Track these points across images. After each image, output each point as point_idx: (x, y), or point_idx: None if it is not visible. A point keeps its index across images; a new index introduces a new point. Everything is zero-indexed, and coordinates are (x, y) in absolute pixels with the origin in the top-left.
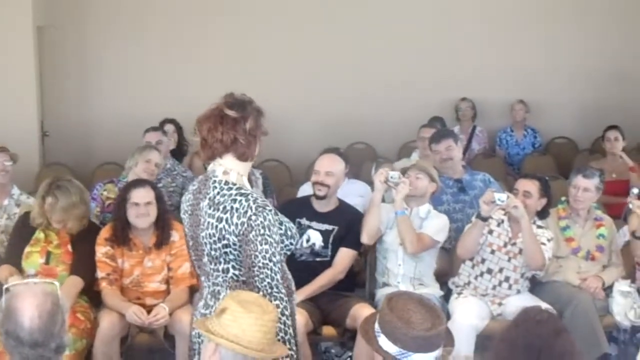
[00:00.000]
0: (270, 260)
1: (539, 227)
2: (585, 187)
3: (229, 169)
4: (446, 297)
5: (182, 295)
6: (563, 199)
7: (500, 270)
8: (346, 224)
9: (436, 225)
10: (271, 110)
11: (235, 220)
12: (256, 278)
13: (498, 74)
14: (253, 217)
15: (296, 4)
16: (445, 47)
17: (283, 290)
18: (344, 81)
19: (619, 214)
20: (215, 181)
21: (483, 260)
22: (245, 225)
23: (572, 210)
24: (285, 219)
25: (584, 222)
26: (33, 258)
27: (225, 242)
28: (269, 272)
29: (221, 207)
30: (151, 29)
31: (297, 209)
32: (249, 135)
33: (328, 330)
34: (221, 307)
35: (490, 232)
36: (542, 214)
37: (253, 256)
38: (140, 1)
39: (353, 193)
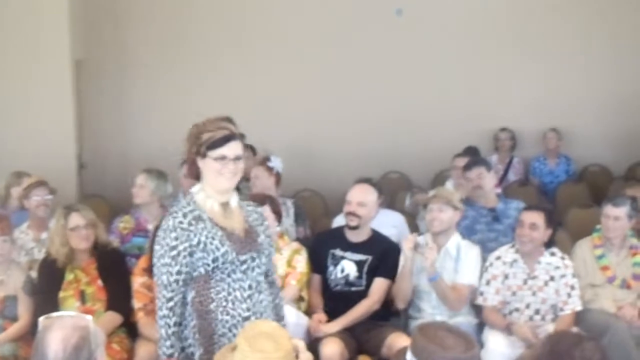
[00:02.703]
0: (159, 260)
1: (562, 257)
2: (615, 216)
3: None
4: (481, 326)
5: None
6: (598, 227)
7: (528, 306)
8: (380, 254)
9: (470, 267)
10: (306, 140)
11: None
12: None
13: (531, 102)
14: (163, 221)
15: (329, 34)
16: (479, 76)
17: (165, 292)
18: (379, 110)
19: None
20: None
21: (508, 302)
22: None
23: (607, 239)
24: (211, 234)
25: (618, 250)
26: (69, 302)
27: None
28: (156, 270)
29: None
30: (187, 61)
31: (330, 240)
32: (187, 157)
33: None
34: (234, 344)
35: (506, 276)
36: (549, 244)
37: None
38: (176, 34)
39: (387, 224)
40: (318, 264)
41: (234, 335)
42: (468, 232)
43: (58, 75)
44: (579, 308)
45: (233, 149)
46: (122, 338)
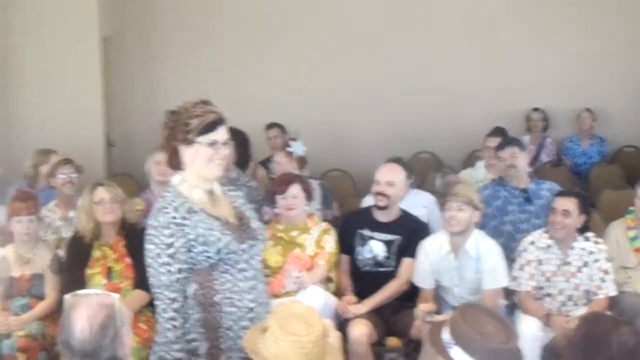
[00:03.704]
0: (155, 260)
1: (596, 242)
2: None
3: (180, 174)
4: (510, 307)
5: None
6: (631, 208)
7: (560, 292)
8: (409, 234)
9: (498, 269)
10: (335, 120)
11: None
12: (147, 275)
13: (565, 82)
14: (151, 217)
15: (358, 16)
16: (511, 55)
17: (167, 293)
18: (409, 90)
19: None
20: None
21: (541, 288)
22: (146, 224)
23: None
24: (208, 226)
25: None
26: (96, 280)
27: None
28: (152, 270)
29: None
30: (217, 38)
31: (358, 220)
32: (165, 144)
33: (393, 341)
34: (265, 325)
35: (540, 262)
36: (583, 230)
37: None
38: (205, 10)
39: (417, 204)
40: (346, 244)
41: (241, 328)
42: (500, 213)
43: (86, 52)
44: (613, 293)
45: (222, 133)
46: (150, 317)
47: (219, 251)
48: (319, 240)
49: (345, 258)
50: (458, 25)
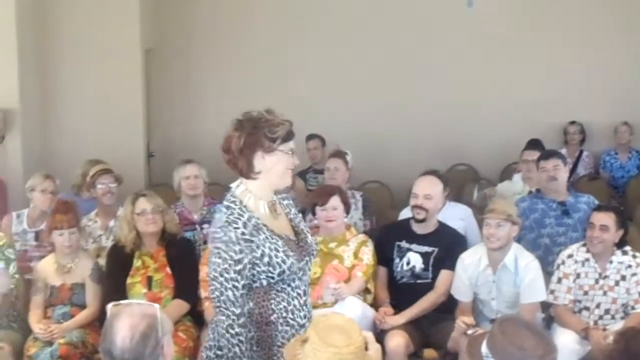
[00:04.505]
0: (221, 275)
1: (634, 256)
2: None
3: (242, 183)
4: (547, 320)
5: None
6: None
7: (598, 305)
8: (446, 246)
9: (536, 284)
10: (372, 132)
11: (210, 229)
12: (210, 289)
13: (602, 95)
14: (218, 230)
15: (397, 31)
16: (549, 68)
17: (233, 309)
18: (446, 102)
19: None
20: (229, 192)
21: (578, 301)
22: (212, 235)
23: None
24: (273, 246)
25: None
26: (136, 289)
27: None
28: (218, 285)
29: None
30: (256, 48)
31: (396, 232)
32: (239, 153)
33: (429, 353)
34: (305, 336)
35: (578, 275)
36: (620, 244)
37: (209, 266)
38: (244, 23)
39: (454, 216)
40: (384, 256)
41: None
42: (537, 226)
43: (129, 65)
44: None
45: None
46: (189, 326)
47: (281, 273)
48: (357, 252)
49: (382, 270)
50: (495, 39)
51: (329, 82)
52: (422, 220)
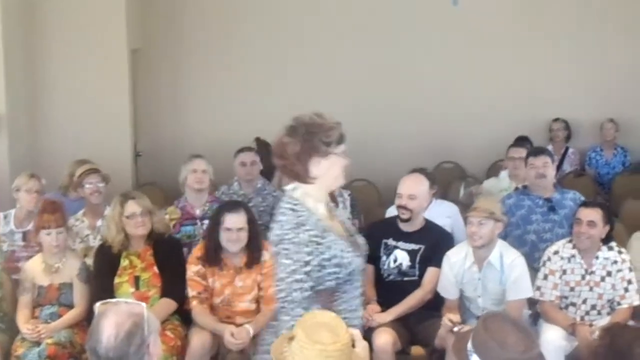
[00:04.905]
0: (290, 276)
1: (620, 252)
2: None
3: (299, 187)
4: (534, 316)
5: (272, 315)
6: None
7: (584, 301)
8: (433, 244)
9: (522, 281)
10: (360, 129)
11: (276, 231)
12: (277, 288)
13: (588, 92)
14: (287, 232)
15: (383, 29)
16: (535, 65)
17: (298, 310)
18: (433, 100)
19: None
20: (285, 195)
21: (565, 297)
22: (279, 237)
23: None
24: (340, 247)
25: None
26: (124, 288)
27: (273, 251)
28: (285, 286)
29: (275, 218)
30: (243, 49)
31: (383, 230)
32: (295, 159)
33: (416, 350)
34: (292, 334)
35: (564, 271)
36: (606, 240)
37: (276, 267)
38: (233, 22)
39: (441, 214)
40: (371, 254)
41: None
42: (524, 222)
43: (115, 64)
44: (636, 302)
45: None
46: (176, 325)
47: (350, 273)
48: None
49: (370, 267)
50: (482, 38)
51: (316, 82)
52: (407, 220)
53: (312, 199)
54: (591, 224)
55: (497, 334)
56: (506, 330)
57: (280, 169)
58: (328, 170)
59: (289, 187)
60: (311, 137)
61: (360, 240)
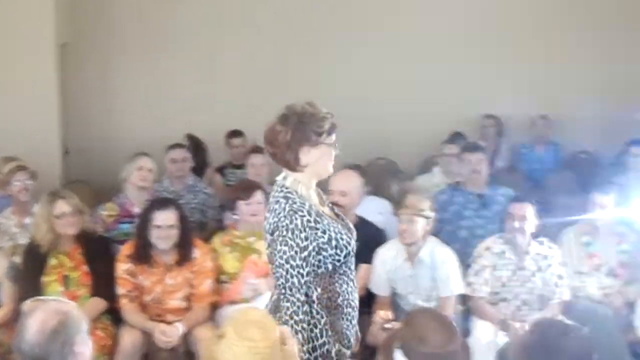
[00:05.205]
0: (287, 262)
1: (550, 247)
2: (602, 204)
3: (288, 175)
4: (467, 312)
5: (203, 313)
6: (585, 214)
7: (516, 296)
8: (365, 240)
9: (452, 276)
10: None
11: (271, 219)
12: (275, 276)
13: (520, 89)
14: (282, 219)
15: (311, 24)
16: (467, 62)
17: (298, 296)
18: (366, 96)
19: None
20: (275, 184)
21: (496, 293)
22: (275, 225)
23: (594, 227)
24: (336, 230)
25: (606, 237)
26: (52, 288)
27: (268, 240)
28: (284, 272)
29: (269, 208)
30: (174, 45)
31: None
32: (286, 147)
33: None
34: (221, 332)
35: (495, 267)
36: (537, 235)
37: (273, 254)
38: (163, 18)
39: (373, 210)
40: None
41: (354, 327)
42: (456, 218)
43: (42, 59)
44: (567, 298)
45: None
46: (107, 325)
47: (347, 254)
48: None
49: None
50: (418, 32)
51: (246, 77)
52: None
53: (303, 186)
54: (522, 218)
55: (418, 330)
56: (428, 325)
57: (270, 156)
58: (318, 160)
59: (279, 176)
60: (303, 126)
61: (350, 223)
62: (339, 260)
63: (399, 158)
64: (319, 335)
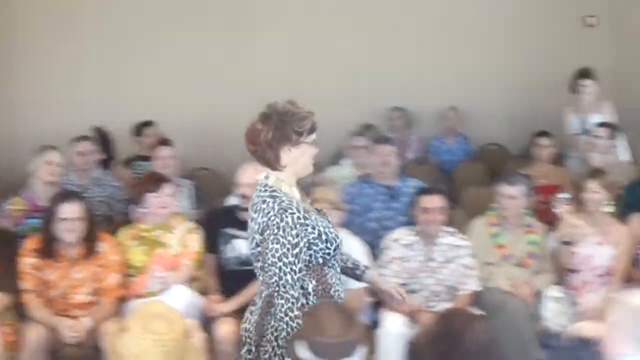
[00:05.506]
0: (280, 260)
1: (460, 238)
2: (510, 195)
3: (270, 174)
4: (377, 304)
5: (109, 307)
6: (494, 205)
7: (424, 287)
8: None
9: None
10: (203, 119)
11: (259, 219)
12: (267, 275)
13: (430, 80)
14: (272, 218)
15: (220, 11)
16: (377, 53)
17: (292, 292)
18: (274, 88)
19: (550, 220)
20: (258, 184)
21: (406, 284)
22: (265, 224)
23: (502, 217)
24: (324, 224)
25: (514, 228)
26: None
27: (255, 241)
28: (277, 270)
29: (254, 207)
30: (79, 33)
31: (221, 219)
32: (266, 146)
33: None
34: (125, 325)
35: (404, 258)
36: (446, 226)
37: (264, 253)
38: (65, 8)
39: None
40: (211, 243)
41: None
42: (365, 210)
43: None
44: (476, 288)
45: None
46: (12, 321)
47: (336, 247)
48: (184, 240)
49: (210, 257)
50: (321, 24)
51: (158, 68)
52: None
53: (286, 184)
54: (433, 210)
55: (317, 321)
56: (327, 317)
57: (251, 154)
58: (298, 159)
59: (260, 175)
60: (284, 125)
61: (329, 217)
62: (329, 254)
63: None
64: None
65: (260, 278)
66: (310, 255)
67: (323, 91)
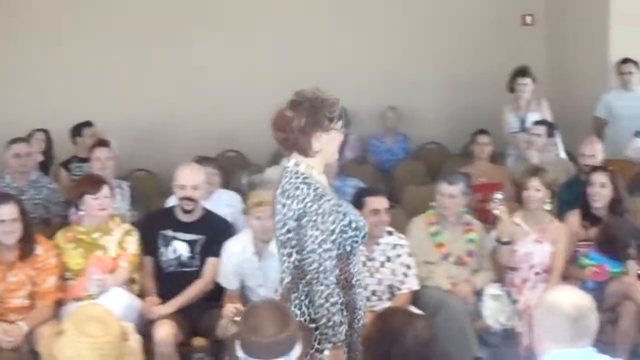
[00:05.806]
0: (320, 247)
1: (399, 237)
2: (450, 194)
3: (300, 161)
4: None
5: (46, 311)
6: (433, 204)
7: (365, 287)
8: (213, 233)
9: None
10: (141, 120)
11: (294, 206)
12: (306, 262)
13: (369, 80)
14: (309, 204)
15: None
16: (315, 52)
17: (331, 278)
18: (215, 89)
19: (489, 218)
20: (287, 171)
21: None
22: (301, 211)
23: (441, 216)
24: (352, 212)
25: (453, 227)
26: None
27: (287, 227)
28: (316, 257)
29: (286, 194)
30: (15, 33)
31: (161, 221)
32: (299, 133)
33: (198, 341)
34: (61, 328)
35: None
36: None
37: (303, 241)
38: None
39: (222, 203)
40: (149, 245)
41: (366, 307)
42: None
43: None
44: (415, 287)
45: None
46: None
47: (364, 235)
48: (122, 242)
49: (148, 259)
50: (259, 24)
51: (96, 66)
52: (191, 211)
53: (316, 171)
54: (377, 211)
55: (253, 320)
56: (262, 315)
57: (279, 142)
58: (328, 145)
59: (289, 163)
60: (315, 111)
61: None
62: (356, 242)
63: (248, 150)
64: None
65: (285, 265)
66: (340, 243)
67: (263, 92)
